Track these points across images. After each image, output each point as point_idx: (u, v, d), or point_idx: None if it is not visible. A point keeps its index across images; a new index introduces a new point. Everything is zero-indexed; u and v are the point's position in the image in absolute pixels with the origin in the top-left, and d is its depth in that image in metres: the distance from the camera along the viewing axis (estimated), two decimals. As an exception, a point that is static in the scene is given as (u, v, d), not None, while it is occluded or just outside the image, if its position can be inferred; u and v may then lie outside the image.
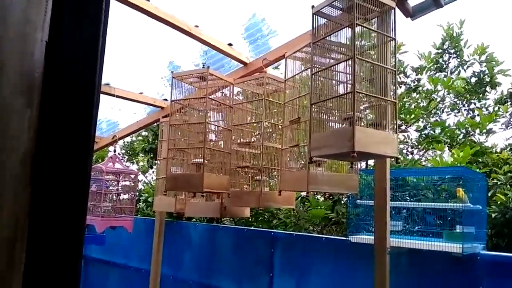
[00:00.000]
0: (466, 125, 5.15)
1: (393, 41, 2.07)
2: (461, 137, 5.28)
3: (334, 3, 2.09)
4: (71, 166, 0.70)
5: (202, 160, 2.97)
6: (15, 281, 0.64)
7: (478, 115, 5.32)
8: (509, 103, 5.27)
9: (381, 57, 2.05)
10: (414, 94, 5.81)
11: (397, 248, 3.04)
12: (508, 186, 3.94)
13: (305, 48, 2.64)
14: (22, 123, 0.64)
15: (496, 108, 5.41)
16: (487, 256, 3.04)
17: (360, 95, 1.99)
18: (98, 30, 0.72)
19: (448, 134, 5.19)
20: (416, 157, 5.50)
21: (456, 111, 5.74)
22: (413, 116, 5.36)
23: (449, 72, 5.89)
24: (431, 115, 5.67)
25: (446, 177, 3.47)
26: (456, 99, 5.68)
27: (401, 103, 5.42)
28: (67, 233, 0.69)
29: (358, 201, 3.48)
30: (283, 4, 3.34)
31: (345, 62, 2.05)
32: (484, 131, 5.00)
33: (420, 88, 5.76)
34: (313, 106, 2.15)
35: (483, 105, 5.63)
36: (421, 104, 5.64)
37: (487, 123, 4.97)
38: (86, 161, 0.72)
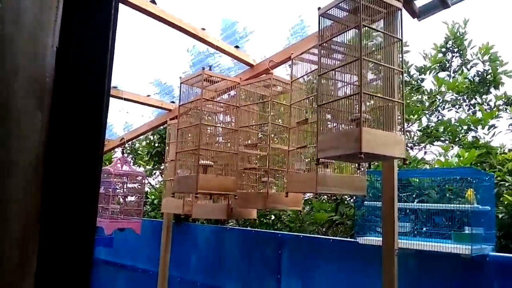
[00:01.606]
0: (468, 122, 5.13)
1: (400, 42, 2.07)
2: (463, 133, 5.26)
3: (340, 4, 2.09)
4: (82, 168, 0.71)
5: (208, 161, 3.00)
6: (27, 282, 0.65)
7: (479, 110, 5.30)
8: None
9: (388, 58, 2.04)
10: (417, 94, 5.80)
11: (405, 250, 3.02)
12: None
13: (312, 49, 2.64)
14: (33, 126, 0.65)
15: (499, 102, 5.38)
16: (497, 257, 3.02)
17: (367, 96, 1.99)
18: (107, 35, 0.74)
19: (451, 132, 5.17)
20: (417, 152, 5.48)
21: (457, 106, 5.72)
22: (416, 115, 5.35)
23: (451, 71, 5.87)
24: (433, 113, 5.65)
25: (454, 178, 3.45)
26: (457, 95, 5.65)
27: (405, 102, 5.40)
28: (78, 234, 0.70)
29: (366, 202, 3.47)
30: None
31: (352, 63, 2.05)
32: (487, 127, 4.98)
33: (423, 88, 5.75)
34: (320, 107, 2.15)
35: (484, 100, 5.60)
36: (425, 104, 5.62)
37: (489, 120, 4.95)
38: (96, 163, 0.73)
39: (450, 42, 5.77)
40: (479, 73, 5.57)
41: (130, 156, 8.21)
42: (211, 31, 3.56)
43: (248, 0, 3.33)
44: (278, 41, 3.68)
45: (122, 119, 5.52)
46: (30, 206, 0.65)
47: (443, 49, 5.83)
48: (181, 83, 3.32)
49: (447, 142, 5.15)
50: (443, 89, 5.50)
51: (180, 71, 4.29)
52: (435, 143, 5.30)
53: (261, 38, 3.70)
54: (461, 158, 4.08)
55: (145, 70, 4.42)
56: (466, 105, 5.76)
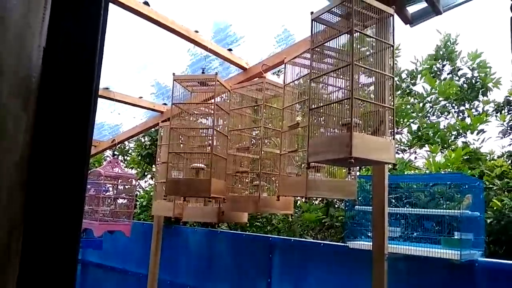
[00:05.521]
0: (457, 127, 5.21)
1: (392, 47, 2.09)
2: (452, 138, 5.35)
3: (333, 9, 2.10)
4: (67, 170, 0.70)
5: (203, 165, 2.97)
6: (10, 284, 0.64)
7: (468, 116, 5.41)
8: (505, 111, 5.30)
9: (379, 64, 2.06)
10: (408, 98, 5.90)
11: (395, 254, 3.03)
12: (505, 192, 3.94)
13: (304, 54, 2.65)
14: (18, 126, 0.64)
15: (486, 109, 5.51)
16: (485, 263, 3.04)
17: (358, 101, 2.00)
18: (96, 35, 0.73)
19: (440, 138, 5.24)
20: (407, 156, 5.54)
21: (446, 113, 5.85)
22: (406, 119, 5.41)
23: (441, 78, 6.01)
24: (424, 117, 5.74)
25: (444, 183, 3.48)
26: (446, 102, 5.77)
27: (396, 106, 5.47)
28: (63, 237, 0.69)
29: (357, 206, 3.48)
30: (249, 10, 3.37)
31: (343, 68, 2.06)
32: (476, 132, 5.07)
33: (414, 92, 5.86)
34: (312, 111, 2.16)
35: (472, 106, 5.72)
36: (414, 107, 5.70)
37: (478, 124, 5.04)
38: (82, 165, 0.72)
39: (441, 52, 5.94)
40: (468, 79, 5.69)
41: (121, 158, 8.16)
42: (204, 33, 3.55)
43: (240, 6, 3.33)
44: (266, 47, 3.72)
45: (114, 121, 5.49)
46: (14, 207, 0.65)
47: (434, 57, 5.98)
48: (174, 80, 3.11)
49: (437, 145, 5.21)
50: (432, 91, 5.60)
51: (178, 72, 4.27)
52: (426, 146, 5.37)
53: (251, 43, 3.71)
54: (448, 158, 4.13)
55: (143, 71, 4.39)
56: (455, 111, 5.87)
